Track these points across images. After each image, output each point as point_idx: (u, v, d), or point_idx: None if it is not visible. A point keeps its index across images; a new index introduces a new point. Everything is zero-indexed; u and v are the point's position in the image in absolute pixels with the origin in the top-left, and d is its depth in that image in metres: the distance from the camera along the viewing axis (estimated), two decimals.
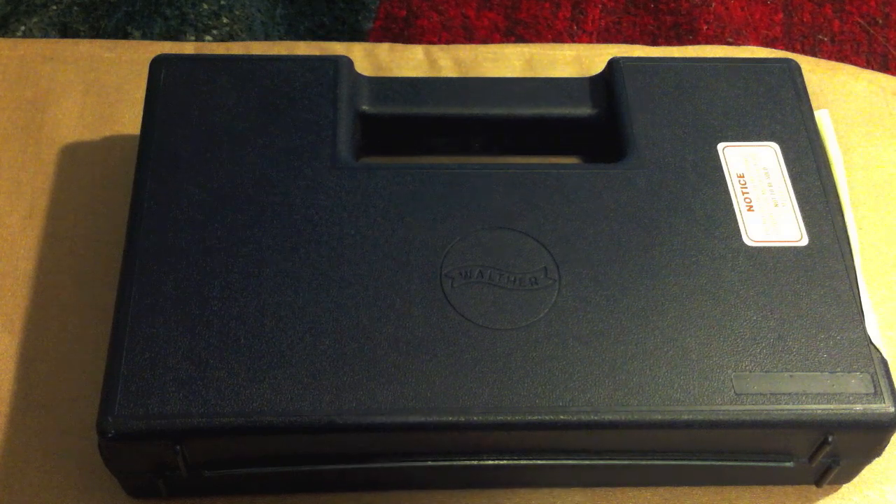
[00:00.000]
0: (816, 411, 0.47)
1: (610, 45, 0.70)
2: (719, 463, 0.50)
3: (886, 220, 0.62)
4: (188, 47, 0.71)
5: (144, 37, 0.85)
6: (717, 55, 0.69)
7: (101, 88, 0.65)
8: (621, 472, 0.51)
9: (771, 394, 0.47)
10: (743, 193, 0.54)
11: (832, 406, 0.47)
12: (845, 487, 0.53)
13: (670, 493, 0.52)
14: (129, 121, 0.63)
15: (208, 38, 0.85)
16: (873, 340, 0.49)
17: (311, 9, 0.90)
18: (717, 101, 0.57)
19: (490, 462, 0.49)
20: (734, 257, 0.51)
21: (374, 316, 0.49)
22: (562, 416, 0.47)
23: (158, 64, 0.57)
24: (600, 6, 0.90)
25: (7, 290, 0.57)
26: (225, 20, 0.87)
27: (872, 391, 0.48)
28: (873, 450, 0.50)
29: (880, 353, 0.49)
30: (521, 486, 0.52)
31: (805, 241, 0.52)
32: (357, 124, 0.57)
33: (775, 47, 0.86)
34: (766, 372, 0.48)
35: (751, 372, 0.48)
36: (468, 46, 0.69)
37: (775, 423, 0.47)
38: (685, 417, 0.47)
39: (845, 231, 0.53)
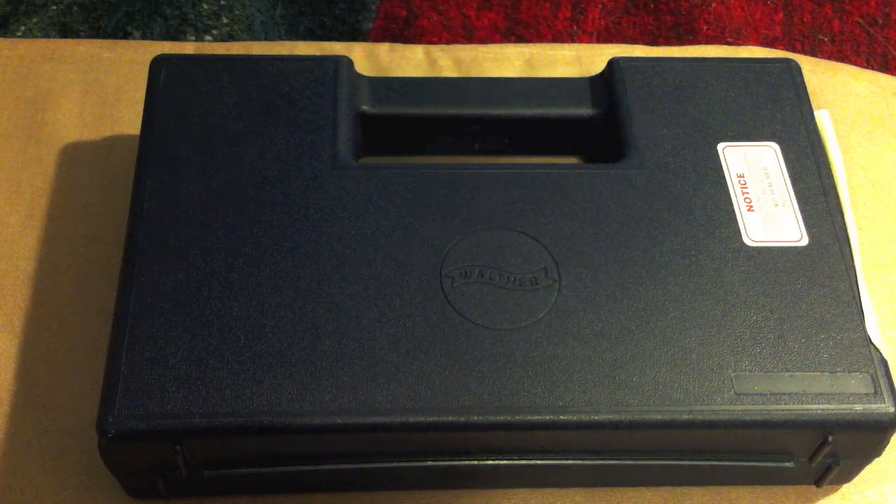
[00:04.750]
0: (816, 411, 0.47)
1: (610, 45, 0.70)
2: (719, 463, 0.50)
3: (886, 220, 0.61)
4: (188, 47, 0.71)
5: (144, 37, 0.85)
6: (717, 55, 0.69)
7: (101, 88, 0.65)
8: (621, 472, 0.51)
9: (771, 394, 0.47)
10: (743, 193, 0.54)
11: (832, 406, 0.47)
12: (845, 487, 0.53)
13: (670, 493, 0.52)
14: (129, 121, 0.63)
15: (208, 38, 0.85)
16: (873, 340, 0.49)
17: (311, 9, 0.90)
18: (717, 101, 0.57)
19: (490, 462, 0.49)
20: (734, 257, 0.51)
21: (374, 316, 0.49)
22: (562, 416, 0.47)
23: (158, 64, 0.57)
24: (600, 6, 0.90)
25: (7, 291, 0.57)
26: (225, 20, 0.87)
27: (872, 391, 0.48)
28: (873, 450, 0.50)
29: (880, 353, 0.49)
30: (521, 486, 0.52)
31: (805, 241, 0.52)
32: (357, 124, 0.57)
33: (775, 47, 0.86)
34: (766, 372, 0.48)
35: (751, 372, 0.48)
36: (468, 46, 0.69)
37: (775, 423, 0.47)
38: (685, 417, 0.47)
39: (845, 231, 0.53)
